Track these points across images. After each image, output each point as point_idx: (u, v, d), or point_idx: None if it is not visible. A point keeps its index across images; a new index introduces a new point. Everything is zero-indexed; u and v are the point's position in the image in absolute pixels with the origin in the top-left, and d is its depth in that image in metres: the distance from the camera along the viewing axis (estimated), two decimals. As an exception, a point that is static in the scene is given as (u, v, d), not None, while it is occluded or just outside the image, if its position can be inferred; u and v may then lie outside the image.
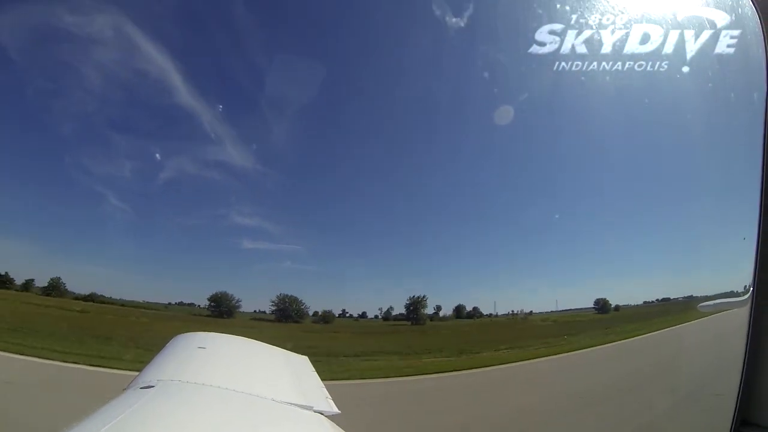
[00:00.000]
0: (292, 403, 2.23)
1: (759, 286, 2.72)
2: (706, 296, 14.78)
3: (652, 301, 19.13)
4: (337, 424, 2.13)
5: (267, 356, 3.23)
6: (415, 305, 20.40)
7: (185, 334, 3.20)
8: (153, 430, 1.61)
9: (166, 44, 15.66)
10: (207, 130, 17.56)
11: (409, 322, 20.37)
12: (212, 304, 19.79)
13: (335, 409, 2.33)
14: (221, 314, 19.57)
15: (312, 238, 21.70)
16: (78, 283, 19.39)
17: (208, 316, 19.54)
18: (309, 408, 2.23)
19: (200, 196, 20.71)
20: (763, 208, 2.74)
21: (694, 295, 16.14)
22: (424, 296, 20.12)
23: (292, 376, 2.70)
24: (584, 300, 20.91)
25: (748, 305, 2.74)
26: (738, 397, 2.70)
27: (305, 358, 3.32)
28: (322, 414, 2.22)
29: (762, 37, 3.16)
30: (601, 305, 19.93)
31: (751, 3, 3.71)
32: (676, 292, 17.91)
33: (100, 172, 19.51)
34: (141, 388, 2.08)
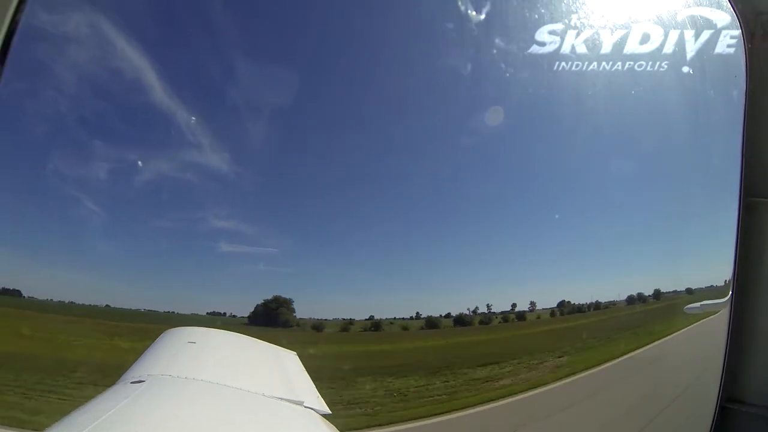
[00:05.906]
0: (282, 399, 2.21)
1: (739, 267, 2.80)
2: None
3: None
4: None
5: (256, 351, 3.21)
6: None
7: (175, 329, 3.18)
8: (144, 425, 1.59)
9: (142, 43, 15.23)
10: (184, 131, 17.18)
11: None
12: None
13: (326, 409, 2.29)
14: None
15: (290, 240, 21.34)
16: (49, 289, 18.74)
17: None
18: (300, 403, 2.21)
19: (177, 199, 20.20)
20: (741, 201, 2.85)
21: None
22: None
23: (282, 372, 2.68)
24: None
25: (730, 293, 2.89)
26: (722, 375, 2.84)
27: (294, 354, 3.30)
28: (313, 410, 2.19)
29: (740, 32, 3.19)
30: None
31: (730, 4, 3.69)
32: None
33: (73, 175, 18.96)
34: (131, 382, 2.06)
